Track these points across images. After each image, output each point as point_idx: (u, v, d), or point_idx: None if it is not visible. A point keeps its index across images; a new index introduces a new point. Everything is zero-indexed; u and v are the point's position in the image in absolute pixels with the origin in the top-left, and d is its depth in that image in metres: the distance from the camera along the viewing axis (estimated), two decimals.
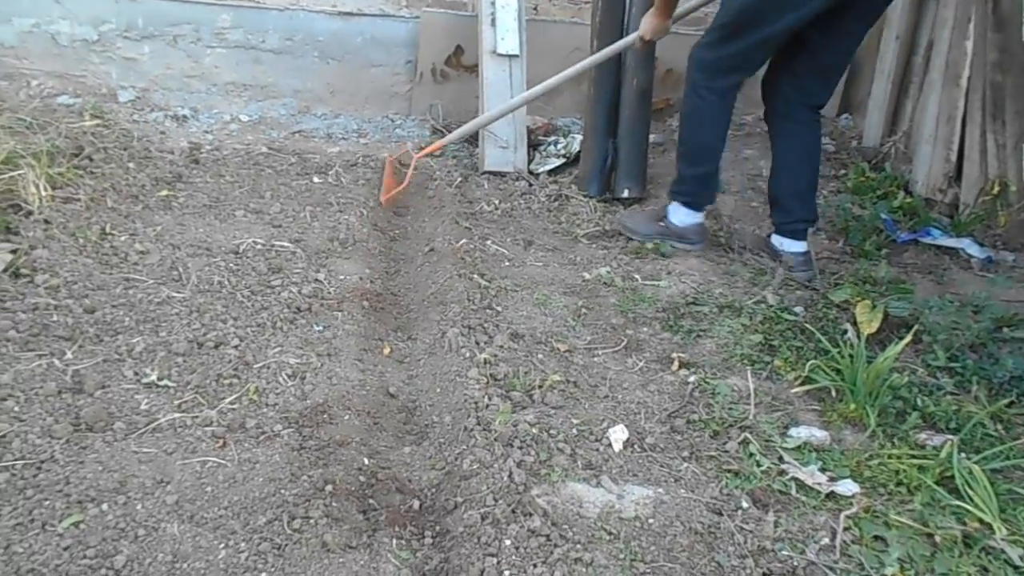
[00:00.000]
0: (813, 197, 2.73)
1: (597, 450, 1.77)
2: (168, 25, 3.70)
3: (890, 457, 1.74)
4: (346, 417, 1.80)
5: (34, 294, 2.07)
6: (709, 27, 2.62)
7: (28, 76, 3.61)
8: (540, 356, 2.11)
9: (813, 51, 2.51)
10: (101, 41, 3.67)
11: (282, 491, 1.55)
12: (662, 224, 2.80)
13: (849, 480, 1.68)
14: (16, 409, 1.65)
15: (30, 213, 2.38)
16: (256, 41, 3.80)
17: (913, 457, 1.74)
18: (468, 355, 2.03)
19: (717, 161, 2.75)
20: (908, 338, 1.92)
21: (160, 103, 3.71)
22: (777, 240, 2.73)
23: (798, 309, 2.41)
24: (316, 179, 3.16)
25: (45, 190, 2.47)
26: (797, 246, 2.68)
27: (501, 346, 2.11)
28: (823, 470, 1.72)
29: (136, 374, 1.85)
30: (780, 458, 1.76)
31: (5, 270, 2.11)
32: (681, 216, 2.77)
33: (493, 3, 3.45)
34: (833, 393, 1.99)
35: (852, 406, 1.89)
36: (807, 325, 2.28)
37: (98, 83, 3.71)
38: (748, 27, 2.46)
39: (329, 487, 1.56)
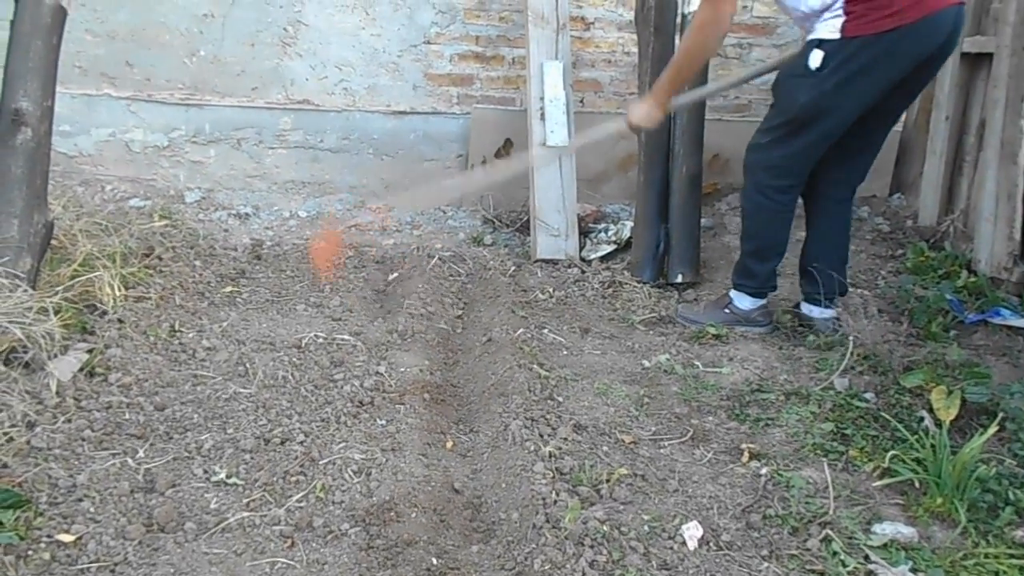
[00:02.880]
0: (845, 269, 2.82)
1: (671, 548, 1.70)
2: (233, 129, 3.91)
3: (987, 556, 1.64)
4: (412, 514, 1.77)
5: (108, 392, 2.12)
6: (766, 124, 2.60)
7: (103, 181, 3.83)
8: (605, 448, 2.07)
9: (858, 132, 2.53)
10: (171, 147, 3.88)
11: None
12: (727, 311, 2.81)
13: None
14: (92, 510, 1.67)
15: (104, 313, 2.48)
16: (315, 141, 3.98)
17: (1012, 556, 1.63)
18: (532, 448, 2.00)
19: (784, 252, 2.79)
20: (993, 427, 1.83)
21: (224, 202, 3.88)
22: (807, 308, 2.81)
23: (869, 395, 2.33)
24: (374, 270, 3.23)
25: (119, 290, 2.58)
26: (828, 312, 2.77)
27: (565, 438, 2.08)
28: (915, 571, 1.62)
29: (205, 472, 1.86)
30: (866, 557, 1.67)
31: (81, 370, 2.18)
32: (747, 303, 2.79)
33: (542, 98, 3.57)
34: (917, 485, 1.89)
35: (939, 500, 1.80)
36: (881, 412, 2.20)
37: (167, 185, 3.91)
38: (812, 122, 2.44)
39: None
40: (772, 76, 2.66)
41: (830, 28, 2.34)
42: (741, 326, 2.79)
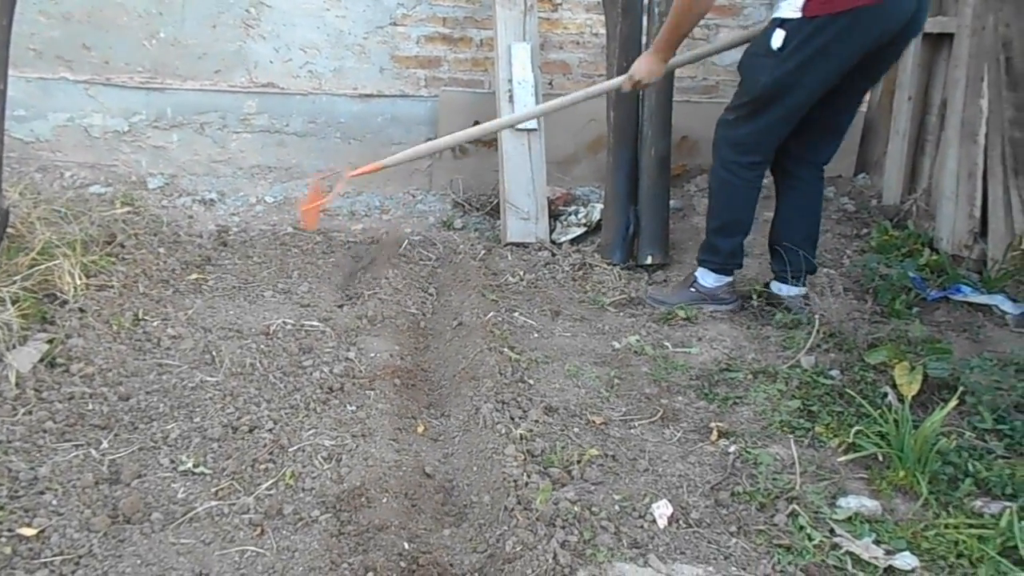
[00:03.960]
0: (814, 248, 2.84)
1: (642, 527, 1.72)
2: (196, 113, 3.83)
3: (947, 527, 1.68)
4: (384, 500, 1.76)
5: (70, 383, 2.08)
6: (733, 102, 2.63)
7: (62, 167, 3.73)
8: (576, 430, 2.08)
9: (824, 111, 2.55)
10: (131, 132, 3.79)
11: None
12: (692, 290, 2.83)
13: (907, 553, 1.61)
14: (54, 503, 1.64)
15: (65, 302, 2.42)
16: (280, 125, 3.91)
17: (971, 526, 1.67)
18: (503, 431, 2.01)
19: (749, 230, 2.81)
20: (954, 401, 1.87)
21: (188, 188, 3.80)
22: (776, 286, 2.85)
23: (834, 372, 2.37)
24: (343, 255, 3.20)
25: (80, 279, 2.52)
26: (796, 290, 2.80)
27: (536, 421, 2.08)
28: (878, 542, 1.65)
29: (172, 462, 1.84)
30: (832, 531, 1.70)
31: (42, 360, 2.13)
32: (711, 280, 2.81)
33: (510, 80, 3.55)
34: (880, 459, 1.93)
35: (901, 473, 1.84)
36: (846, 389, 2.24)
37: (128, 171, 3.82)
38: (776, 100, 2.47)
39: (371, 575, 1.52)
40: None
41: (792, 7, 2.35)
42: (707, 304, 2.81)
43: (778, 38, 2.38)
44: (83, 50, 3.68)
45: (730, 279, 2.84)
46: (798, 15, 2.34)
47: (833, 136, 2.69)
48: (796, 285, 2.80)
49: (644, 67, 2.62)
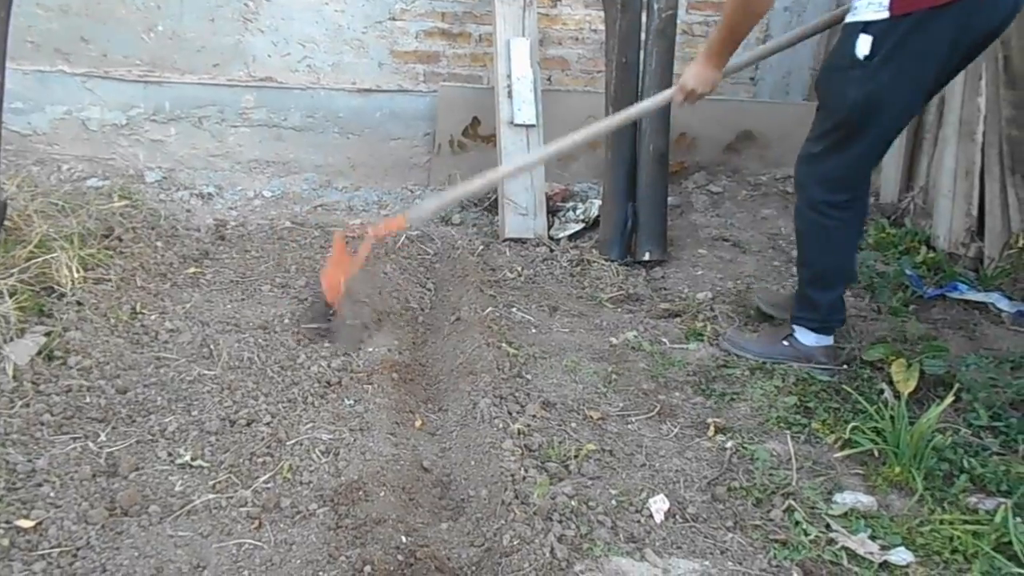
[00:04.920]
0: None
1: (638, 522, 1.73)
2: (194, 107, 3.81)
3: (942, 523, 1.69)
4: (381, 494, 1.77)
5: (67, 376, 2.08)
6: (816, 131, 2.24)
7: (59, 161, 3.72)
8: (573, 425, 2.09)
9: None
10: (129, 125, 3.78)
11: (320, 573, 1.52)
12: (786, 344, 2.42)
13: (902, 548, 1.63)
14: (52, 495, 1.64)
15: (63, 295, 2.42)
16: (279, 119, 3.90)
17: (966, 522, 1.68)
18: (501, 426, 2.01)
19: (853, 277, 2.44)
20: (950, 398, 1.88)
21: (186, 182, 3.79)
22: None
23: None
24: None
25: (77, 272, 2.51)
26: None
27: (534, 416, 2.09)
28: (873, 538, 1.67)
29: (170, 455, 1.84)
30: (827, 526, 1.71)
31: (39, 353, 2.13)
32: (811, 339, 2.39)
33: (509, 76, 3.55)
34: (876, 456, 1.94)
35: (897, 469, 1.85)
36: (842, 385, 2.25)
37: (126, 165, 3.81)
38: (870, 120, 2.08)
39: (368, 568, 1.52)
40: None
41: (875, 6, 1.98)
42: (800, 364, 2.39)
43: (864, 45, 1.99)
44: (81, 43, 3.67)
45: (831, 340, 2.41)
46: (885, 15, 1.96)
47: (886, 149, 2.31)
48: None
49: (696, 76, 2.28)
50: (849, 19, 2.07)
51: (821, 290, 2.35)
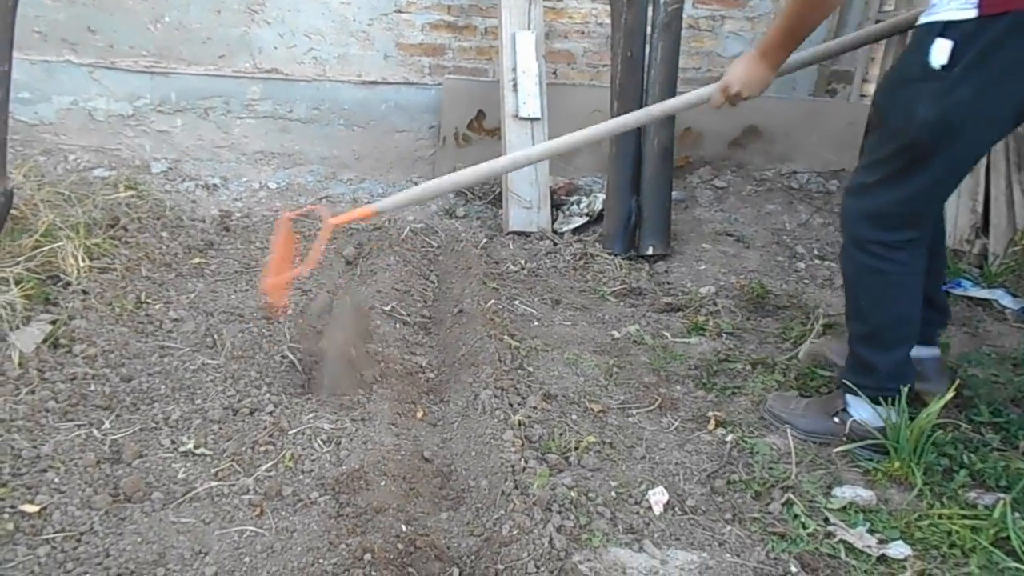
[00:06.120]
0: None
1: (637, 513, 1.74)
2: (200, 99, 3.83)
3: (941, 517, 1.69)
4: (382, 483, 1.78)
5: (72, 364, 2.09)
6: (871, 157, 1.85)
7: (66, 151, 3.74)
8: (574, 417, 2.10)
9: None
10: (135, 115, 3.79)
11: (321, 560, 1.53)
12: (836, 420, 1.98)
13: (900, 542, 1.63)
14: (56, 480, 1.66)
15: (68, 284, 2.43)
16: (284, 111, 3.91)
17: (965, 517, 1.68)
18: (502, 417, 2.02)
19: (916, 334, 1.93)
20: (950, 393, 1.88)
21: (191, 173, 3.81)
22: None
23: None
24: (345, 242, 3.20)
25: (83, 261, 2.53)
26: (930, 351, 2.09)
27: (534, 407, 2.10)
28: (872, 532, 1.67)
29: (173, 443, 1.85)
30: (826, 519, 1.72)
31: (45, 341, 2.14)
32: (866, 413, 1.94)
33: (514, 69, 3.54)
34: (876, 450, 1.94)
35: (897, 464, 1.85)
36: (843, 380, 2.24)
37: (132, 155, 3.82)
38: (943, 145, 1.68)
39: (368, 556, 1.53)
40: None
41: (960, 3, 1.61)
42: (857, 448, 1.94)
43: (941, 52, 1.62)
44: (88, 33, 3.68)
45: (896, 417, 1.91)
46: (972, 14, 1.59)
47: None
48: (931, 344, 2.10)
49: (745, 75, 1.91)
50: (924, 19, 1.69)
51: (878, 350, 1.89)
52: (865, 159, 1.88)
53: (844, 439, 1.94)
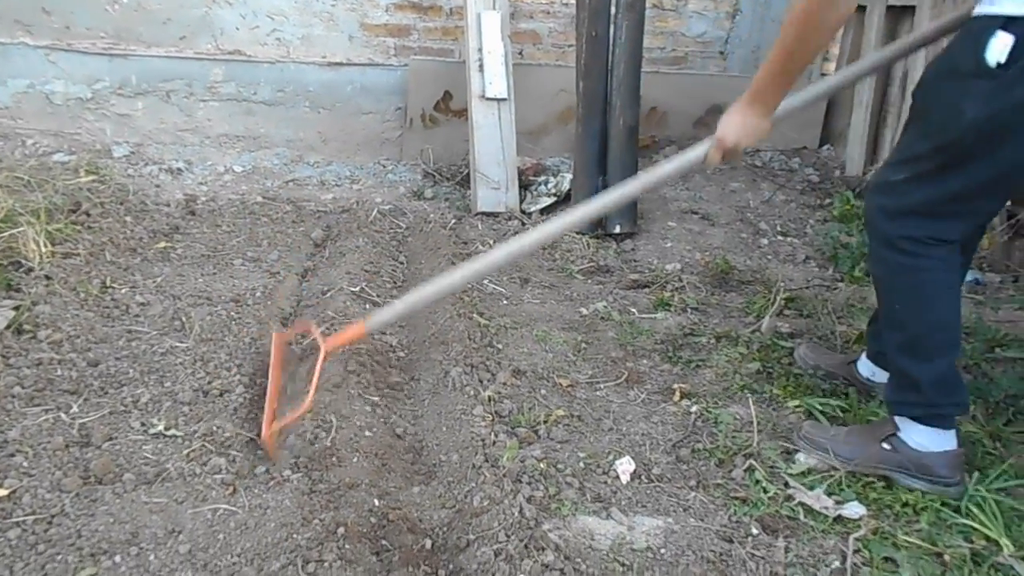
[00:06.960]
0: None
1: (605, 483, 1.78)
2: (161, 81, 3.77)
3: None
4: (354, 459, 1.80)
5: (38, 350, 2.07)
6: (903, 153, 1.71)
7: (23, 136, 3.66)
8: (543, 392, 2.14)
9: None
10: (95, 99, 3.72)
11: (294, 536, 1.55)
12: (887, 447, 1.78)
13: (855, 503, 1.70)
14: (25, 464, 1.65)
15: (31, 270, 2.40)
16: (248, 93, 3.87)
17: None
18: (472, 393, 2.05)
19: (958, 346, 1.75)
20: None
21: (154, 157, 3.76)
22: (868, 368, 2.12)
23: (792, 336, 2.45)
24: (313, 224, 3.20)
25: (45, 246, 2.50)
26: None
27: (504, 383, 2.13)
28: (829, 494, 1.73)
29: (143, 424, 1.85)
30: (786, 484, 1.78)
31: (8, 327, 2.12)
32: (922, 436, 1.75)
33: (480, 49, 3.55)
34: (836, 418, 2.01)
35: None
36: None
37: (92, 140, 3.76)
38: (987, 149, 1.54)
39: (341, 530, 1.56)
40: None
41: None
42: (907, 476, 1.76)
43: (1000, 47, 1.45)
44: (43, 14, 3.60)
45: (953, 440, 1.74)
46: None
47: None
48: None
49: (737, 125, 1.72)
50: (981, 10, 1.51)
51: (919, 361, 1.72)
52: (895, 155, 1.76)
53: (899, 469, 1.76)
